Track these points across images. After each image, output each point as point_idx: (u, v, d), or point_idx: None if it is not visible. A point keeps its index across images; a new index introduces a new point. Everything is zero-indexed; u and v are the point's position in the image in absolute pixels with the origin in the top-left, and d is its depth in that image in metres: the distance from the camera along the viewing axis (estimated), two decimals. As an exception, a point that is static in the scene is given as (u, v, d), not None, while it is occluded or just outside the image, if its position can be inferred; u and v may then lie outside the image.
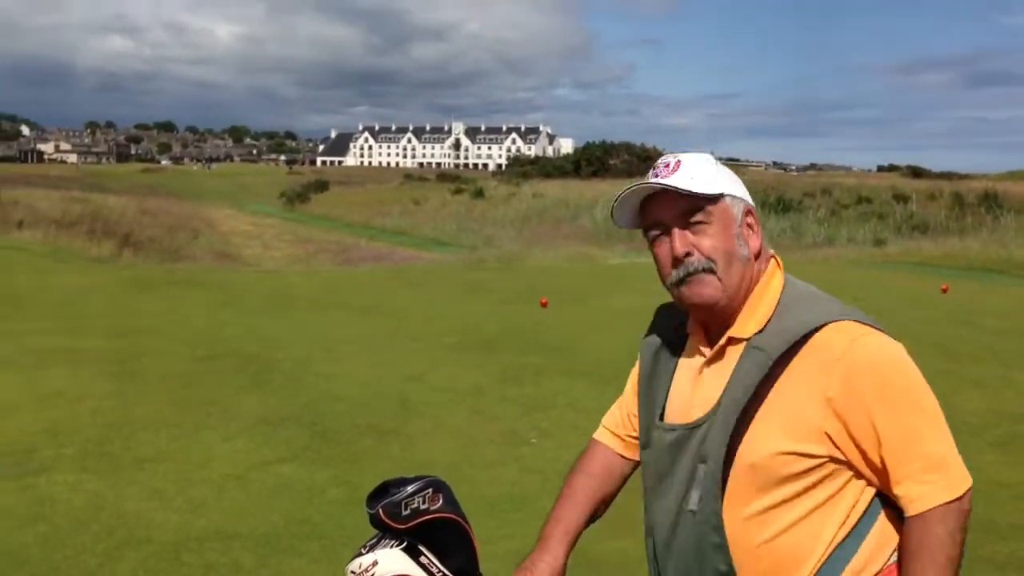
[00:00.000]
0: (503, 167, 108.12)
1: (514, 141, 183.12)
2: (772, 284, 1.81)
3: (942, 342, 10.52)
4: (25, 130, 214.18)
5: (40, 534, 4.70)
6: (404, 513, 1.79)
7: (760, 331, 1.75)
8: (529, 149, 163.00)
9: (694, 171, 1.77)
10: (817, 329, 1.70)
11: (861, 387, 1.65)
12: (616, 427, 2.08)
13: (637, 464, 2.05)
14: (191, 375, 8.28)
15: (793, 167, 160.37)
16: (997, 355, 9.89)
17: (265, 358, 9.07)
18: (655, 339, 1.99)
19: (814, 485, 1.69)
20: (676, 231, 1.77)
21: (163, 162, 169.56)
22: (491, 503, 5.23)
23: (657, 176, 1.78)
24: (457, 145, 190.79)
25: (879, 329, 1.72)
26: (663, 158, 1.84)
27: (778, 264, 1.85)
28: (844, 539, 1.70)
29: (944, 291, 15.61)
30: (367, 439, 6.51)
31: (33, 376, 8.04)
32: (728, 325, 1.81)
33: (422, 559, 1.81)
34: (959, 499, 1.63)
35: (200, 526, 4.85)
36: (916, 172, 69.48)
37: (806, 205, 45.36)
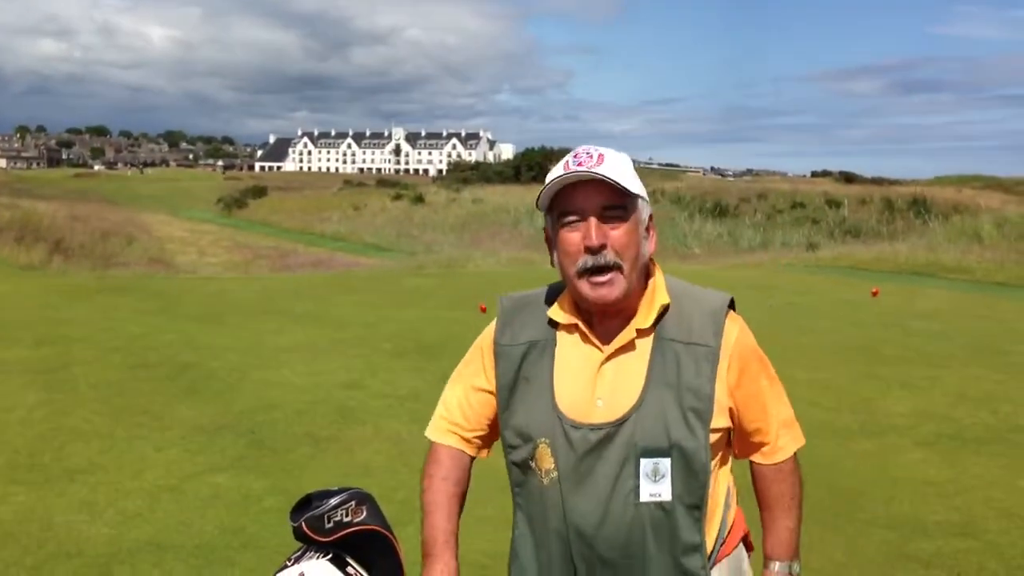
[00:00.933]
0: (443, 172, 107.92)
1: (454, 147, 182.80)
2: (658, 278, 1.95)
3: (872, 344, 10.78)
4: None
5: (-35, 549, 4.58)
6: (327, 526, 1.80)
7: (659, 322, 1.89)
8: (469, 155, 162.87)
9: (618, 166, 1.83)
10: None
11: (749, 368, 1.92)
12: (462, 429, 2.08)
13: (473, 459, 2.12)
14: (123, 384, 8.13)
15: (730, 172, 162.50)
16: (924, 356, 10.17)
17: (200, 366, 8.95)
18: (516, 337, 1.99)
19: (716, 452, 1.90)
20: (594, 221, 1.82)
21: (96, 167, 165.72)
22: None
23: (581, 165, 1.82)
24: (397, 151, 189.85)
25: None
26: (584, 148, 1.88)
27: (654, 261, 1.97)
28: (728, 490, 2.00)
29: (874, 294, 15.98)
30: (304, 447, 6.46)
31: (-42, 387, 7.82)
32: (626, 318, 1.90)
33: (348, 570, 1.82)
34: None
35: (132, 538, 4.77)
36: (848, 178, 70.88)
37: (742, 210, 46.09)
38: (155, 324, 11.45)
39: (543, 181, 1.91)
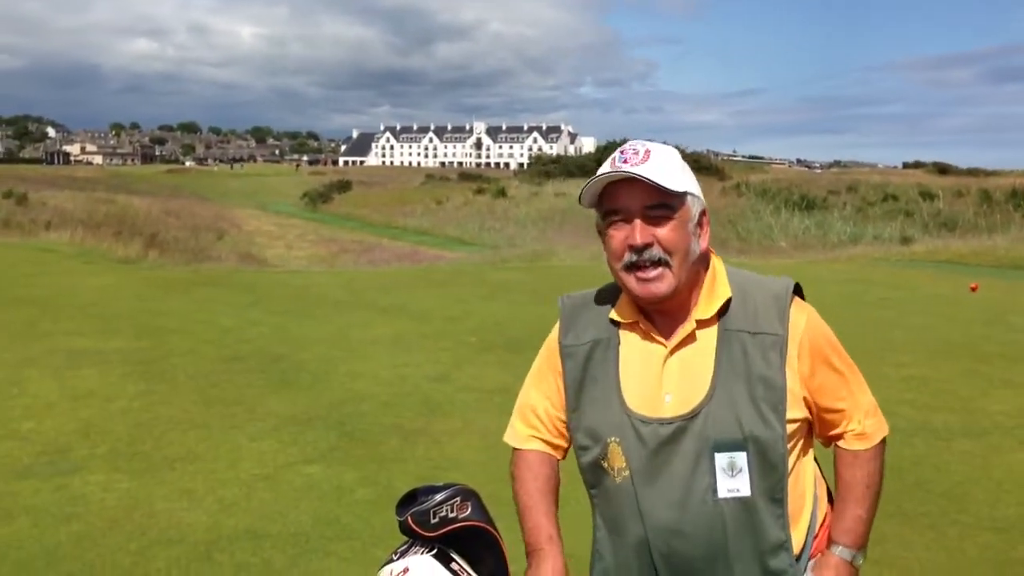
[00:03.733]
0: (524, 166, 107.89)
1: (535, 140, 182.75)
2: (719, 269, 1.92)
3: (971, 341, 10.42)
4: (51, 132, 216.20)
5: (74, 533, 4.75)
6: (433, 521, 1.81)
7: (724, 313, 1.86)
8: (551, 148, 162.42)
9: (663, 164, 1.81)
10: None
11: (821, 357, 1.87)
12: (542, 432, 2.06)
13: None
14: (218, 375, 8.33)
15: (817, 164, 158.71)
16: (1027, 354, 9.77)
17: (290, 358, 9.12)
18: (579, 336, 1.98)
19: (795, 445, 1.86)
20: (638, 221, 1.81)
21: (187, 163, 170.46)
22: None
23: (626, 163, 1.81)
24: (479, 144, 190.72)
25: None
26: (631, 144, 1.86)
27: (713, 252, 1.95)
28: (815, 485, 1.94)
29: (973, 289, 15.45)
30: (393, 439, 6.53)
31: (65, 376, 8.12)
32: (684, 311, 1.88)
33: (453, 565, 1.82)
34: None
35: (230, 526, 4.89)
36: (942, 169, 68.65)
37: (831, 203, 45.00)
38: (246, 317, 11.71)
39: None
